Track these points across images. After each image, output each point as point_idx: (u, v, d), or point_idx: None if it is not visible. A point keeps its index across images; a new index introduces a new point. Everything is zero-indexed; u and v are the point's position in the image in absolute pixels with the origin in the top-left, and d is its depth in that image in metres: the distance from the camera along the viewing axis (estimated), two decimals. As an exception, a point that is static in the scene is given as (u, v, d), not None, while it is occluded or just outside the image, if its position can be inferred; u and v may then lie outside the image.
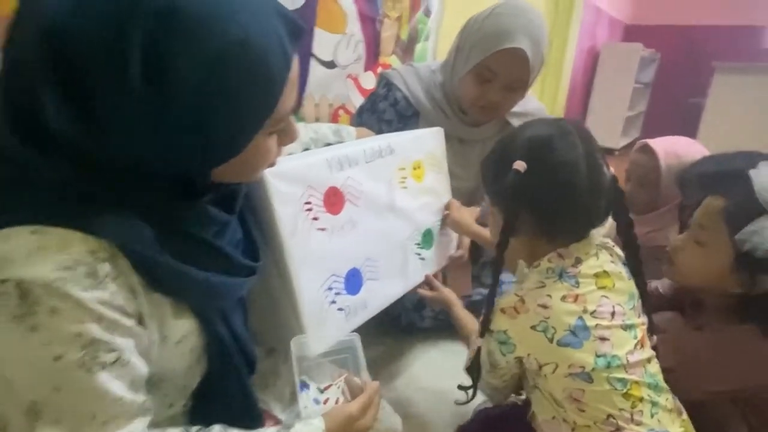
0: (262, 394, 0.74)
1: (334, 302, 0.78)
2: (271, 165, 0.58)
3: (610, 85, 4.01)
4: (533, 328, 0.64)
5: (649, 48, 4.10)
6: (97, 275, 0.42)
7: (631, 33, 4.56)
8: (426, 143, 1.01)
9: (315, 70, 1.41)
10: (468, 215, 1.05)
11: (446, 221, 1.06)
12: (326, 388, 0.64)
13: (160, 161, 0.45)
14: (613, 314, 0.64)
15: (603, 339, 0.63)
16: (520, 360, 0.67)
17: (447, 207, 1.06)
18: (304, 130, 0.93)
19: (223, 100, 0.43)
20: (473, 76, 1.08)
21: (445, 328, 1.38)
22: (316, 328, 0.74)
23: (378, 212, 0.88)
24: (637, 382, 0.63)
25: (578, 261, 0.67)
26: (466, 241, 1.12)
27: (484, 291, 1.34)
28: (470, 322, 0.93)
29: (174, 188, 0.49)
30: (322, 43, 1.40)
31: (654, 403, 0.64)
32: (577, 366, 0.62)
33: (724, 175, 0.76)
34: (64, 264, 0.41)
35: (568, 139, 0.65)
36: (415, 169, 0.97)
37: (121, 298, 0.45)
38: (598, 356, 0.62)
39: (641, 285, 0.70)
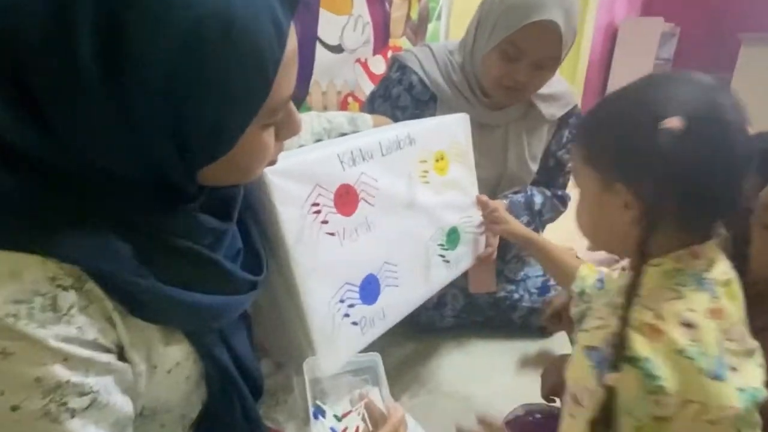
0: (273, 412, 0.67)
1: (347, 315, 0.70)
2: (271, 163, 0.50)
3: (630, 62, 3.82)
4: (680, 353, 0.46)
5: (669, 22, 3.91)
6: (58, 307, 0.35)
7: (650, 7, 4.35)
8: (450, 131, 0.91)
9: (321, 54, 1.32)
10: (516, 221, 0.96)
11: (487, 227, 0.97)
12: (344, 416, 0.56)
13: (132, 166, 0.37)
14: (742, 335, 0.51)
15: (733, 369, 0.48)
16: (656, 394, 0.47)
17: (483, 206, 0.96)
18: (317, 119, 0.85)
19: (201, 86, 0.35)
20: (498, 53, 0.98)
21: (467, 326, 1.31)
22: (327, 345, 0.66)
23: (397, 211, 0.79)
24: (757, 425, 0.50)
25: (711, 263, 0.51)
26: (495, 237, 1.02)
27: (510, 287, 1.28)
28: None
29: (156, 195, 0.41)
30: (328, 25, 1.31)
31: None
32: (728, 407, 0.46)
33: None
34: (16, 296, 0.34)
35: (723, 96, 0.49)
36: (437, 161, 0.88)
37: (93, 331, 0.38)
38: (741, 390, 0.47)
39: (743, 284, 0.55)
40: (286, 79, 0.41)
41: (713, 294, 0.50)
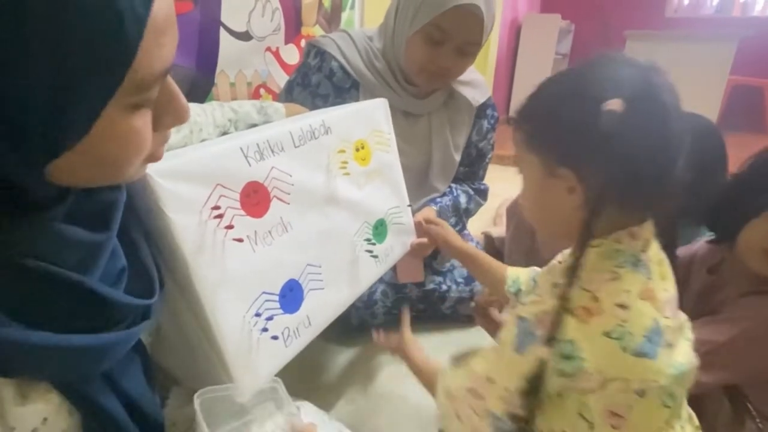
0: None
1: (265, 330, 0.62)
2: (153, 159, 0.40)
3: (533, 56, 4.06)
4: (607, 335, 0.48)
5: (565, 19, 4.20)
6: None
7: (548, 4, 4.65)
8: (369, 118, 0.86)
9: (227, 42, 1.20)
10: (453, 231, 0.96)
11: (423, 231, 0.97)
12: None
13: None
14: (673, 311, 0.52)
15: (669, 345, 0.50)
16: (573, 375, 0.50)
17: (423, 218, 0.97)
18: (220, 109, 0.74)
19: (24, 49, 0.26)
20: (422, 37, 0.95)
21: (399, 322, 1.28)
22: (244, 367, 0.58)
23: (316, 208, 0.72)
24: (683, 396, 0.53)
25: (647, 244, 0.52)
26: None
27: (438, 278, 1.27)
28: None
29: None
30: (232, 10, 1.19)
31: (683, 417, 0.55)
32: (651, 380, 0.48)
33: None
34: None
35: (664, 76, 0.49)
36: (357, 150, 0.81)
37: None
38: (670, 366, 0.49)
39: (673, 264, 0.57)
40: (157, 48, 0.32)
41: (648, 275, 0.51)
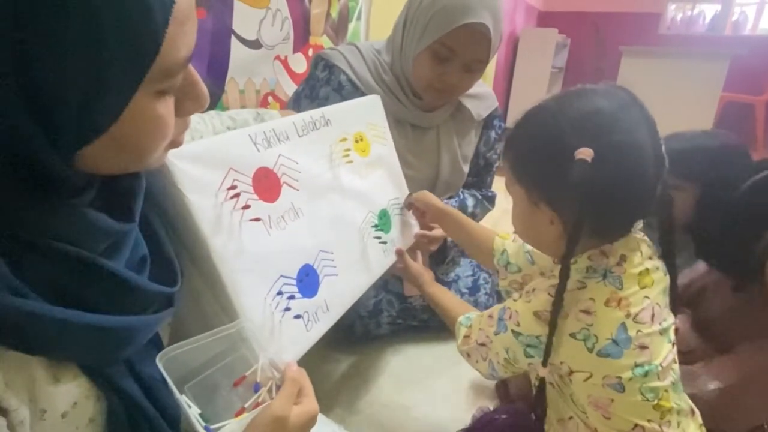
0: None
1: (288, 309, 0.62)
2: (174, 145, 0.42)
3: (530, 69, 4.11)
4: (572, 336, 0.56)
5: (561, 34, 4.27)
6: None
7: (545, 19, 4.72)
8: (364, 112, 0.89)
9: (237, 50, 1.21)
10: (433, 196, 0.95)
11: (411, 202, 0.96)
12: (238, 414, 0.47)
13: None
14: (653, 317, 0.57)
15: (643, 347, 0.55)
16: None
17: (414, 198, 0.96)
18: (218, 117, 0.76)
19: (61, 38, 0.27)
20: (429, 54, 0.97)
21: (403, 331, 1.29)
22: (269, 347, 0.58)
23: (324, 195, 0.74)
24: (666, 390, 0.57)
25: (623, 259, 0.58)
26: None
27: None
28: (449, 299, 0.83)
29: (27, 187, 0.32)
30: (244, 19, 1.20)
31: (679, 411, 0.58)
32: (614, 376, 0.55)
33: None
34: None
35: (631, 113, 0.53)
36: (357, 141, 0.84)
37: None
38: (636, 366, 0.55)
39: (674, 277, 0.62)
40: (182, 36, 0.33)
41: (618, 286, 0.56)
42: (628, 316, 0.55)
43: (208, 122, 0.73)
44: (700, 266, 0.89)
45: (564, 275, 0.55)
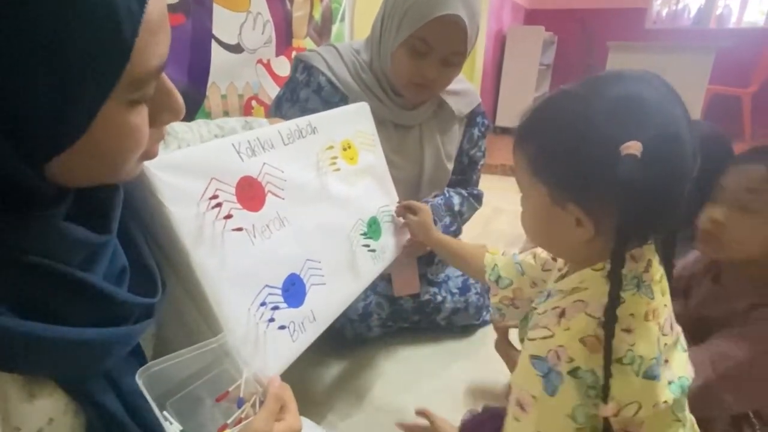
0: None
1: (272, 320, 0.61)
2: (147, 156, 0.41)
3: (518, 67, 4.13)
4: (619, 361, 0.46)
5: (548, 31, 4.29)
6: None
7: (532, 17, 4.74)
8: (352, 120, 0.88)
9: (218, 54, 1.20)
10: (431, 222, 0.95)
11: (406, 221, 0.96)
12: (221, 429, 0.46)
13: None
14: (671, 326, 0.52)
15: (667, 362, 0.50)
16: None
17: (407, 207, 0.96)
18: (205, 126, 0.76)
19: (26, 47, 0.27)
20: (406, 50, 0.96)
21: (394, 334, 1.28)
22: (253, 359, 0.57)
23: (311, 203, 0.73)
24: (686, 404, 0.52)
25: (649, 264, 0.51)
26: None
27: (433, 289, 1.26)
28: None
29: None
30: (224, 23, 1.19)
31: (687, 425, 0.54)
32: (661, 403, 0.47)
33: None
34: None
35: (673, 103, 0.46)
36: (345, 149, 0.84)
37: None
38: (670, 383, 0.49)
39: (670, 275, 0.56)
40: (153, 45, 0.33)
41: (651, 295, 0.50)
42: (660, 328, 0.49)
43: (195, 131, 0.73)
44: (691, 256, 0.88)
45: (616, 287, 0.46)
